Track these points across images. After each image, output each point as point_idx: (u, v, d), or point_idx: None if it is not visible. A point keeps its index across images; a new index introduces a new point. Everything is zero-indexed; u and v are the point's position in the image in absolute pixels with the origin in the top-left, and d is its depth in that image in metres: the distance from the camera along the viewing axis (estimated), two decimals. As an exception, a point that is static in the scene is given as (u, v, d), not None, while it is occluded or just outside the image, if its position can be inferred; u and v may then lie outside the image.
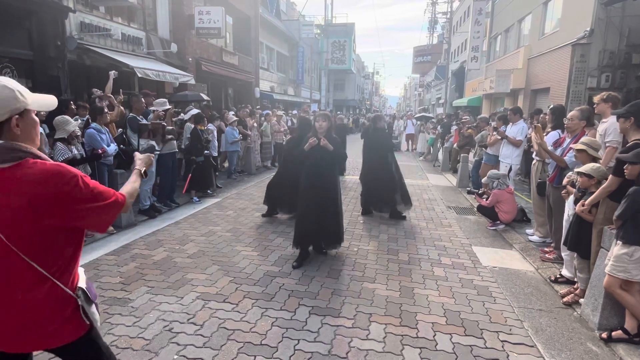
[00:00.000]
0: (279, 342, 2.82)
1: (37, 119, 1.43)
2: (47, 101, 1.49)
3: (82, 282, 1.52)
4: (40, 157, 1.35)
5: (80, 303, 1.47)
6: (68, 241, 1.42)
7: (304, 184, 4.37)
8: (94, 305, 1.54)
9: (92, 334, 1.55)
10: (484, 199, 6.03)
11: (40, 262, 1.35)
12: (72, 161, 4.58)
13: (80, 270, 1.56)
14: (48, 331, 1.42)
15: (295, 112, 17.92)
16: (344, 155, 4.69)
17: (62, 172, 1.32)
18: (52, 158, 4.76)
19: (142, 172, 1.72)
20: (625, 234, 2.76)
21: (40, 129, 4.82)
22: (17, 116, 1.32)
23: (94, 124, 5.01)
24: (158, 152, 5.80)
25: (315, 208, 4.28)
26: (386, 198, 6.21)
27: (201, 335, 2.88)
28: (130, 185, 1.61)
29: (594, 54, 10.20)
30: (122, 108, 6.12)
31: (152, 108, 6.31)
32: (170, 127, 6.40)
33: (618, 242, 2.81)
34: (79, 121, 5.43)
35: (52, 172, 1.30)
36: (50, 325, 1.42)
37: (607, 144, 3.78)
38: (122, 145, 5.36)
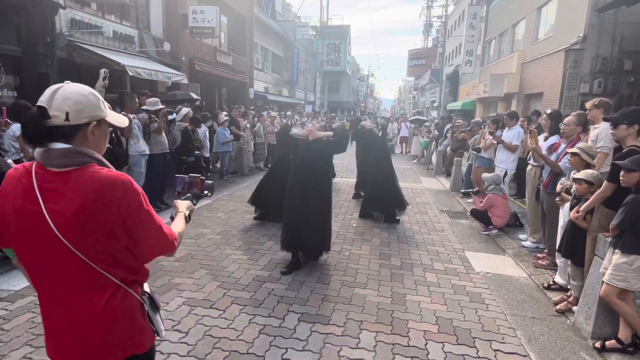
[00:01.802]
0: (266, 351, 2.73)
1: (108, 132, 1.44)
2: (121, 119, 1.49)
3: (146, 287, 1.47)
4: (106, 166, 1.32)
5: (146, 309, 1.42)
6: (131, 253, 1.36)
7: (290, 186, 4.21)
8: (158, 314, 1.49)
9: (154, 346, 1.49)
10: (479, 199, 6.00)
11: (107, 269, 1.29)
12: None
13: None
14: (122, 340, 1.36)
15: (289, 113, 17.85)
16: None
17: (127, 183, 1.28)
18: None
19: (187, 215, 1.63)
20: (624, 243, 2.71)
21: (15, 129, 4.70)
22: (95, 123, 1.34)
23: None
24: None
25: (300, 214, 4.09)
26: (387, 202, 6.13)
27: (186, 343, 2.78)
28: (179, 228, 1.52)
29: (587, 60, 10.24)
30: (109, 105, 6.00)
31: (143, 107, 6.19)
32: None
33: (617, 251, 2.76)
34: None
35: (118, 180, 1.26)
36: (124, 333, 1.36)
37: (598, 150, 3.75)
38: (109, 145, 5.23)
